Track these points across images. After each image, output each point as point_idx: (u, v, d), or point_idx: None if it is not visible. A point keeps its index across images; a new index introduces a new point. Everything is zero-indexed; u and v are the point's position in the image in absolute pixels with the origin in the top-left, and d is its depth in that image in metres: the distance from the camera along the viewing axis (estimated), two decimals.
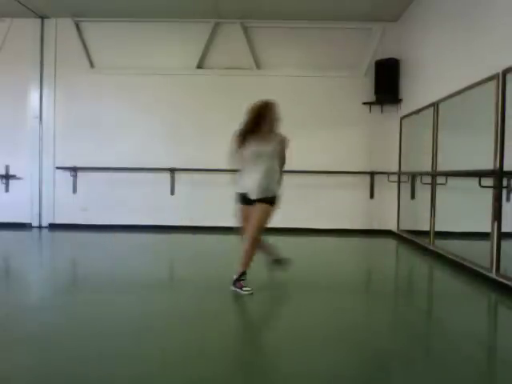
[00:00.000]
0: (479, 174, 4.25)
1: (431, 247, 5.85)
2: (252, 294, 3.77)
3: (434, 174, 5.71)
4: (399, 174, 7.30)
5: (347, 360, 2.61)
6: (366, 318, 3.43)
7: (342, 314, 3.45)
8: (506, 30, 4.14)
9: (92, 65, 7.81)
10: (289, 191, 7.92)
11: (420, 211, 6.47)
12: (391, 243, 7.07)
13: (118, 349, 2.67)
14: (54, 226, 7.81)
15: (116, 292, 3.97)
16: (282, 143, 3.95)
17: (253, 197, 3.85)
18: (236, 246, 6.58)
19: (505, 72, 4.06)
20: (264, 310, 3.59)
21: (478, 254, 4.67)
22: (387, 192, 7.56)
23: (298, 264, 4.62)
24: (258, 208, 3.83)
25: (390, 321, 3.43)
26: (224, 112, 7.66)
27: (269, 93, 7.68)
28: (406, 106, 7.10)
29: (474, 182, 4.28)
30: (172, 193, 7.78)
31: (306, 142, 7.27)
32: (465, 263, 4.84)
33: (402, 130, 7.29)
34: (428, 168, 5.88)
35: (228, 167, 4.18)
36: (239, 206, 4.01)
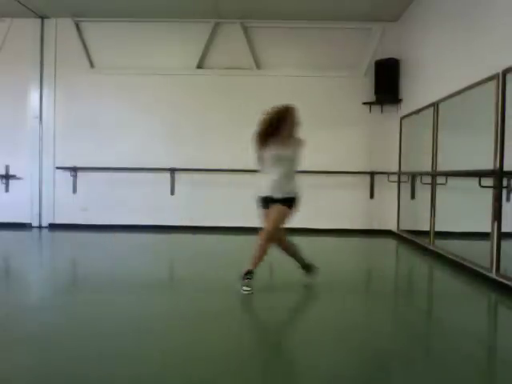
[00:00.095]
0: (479, 174, 4.25)
1: (431, 247, 5.84)
2: (251, 293, 3.76)
3: (434, 174, 5.71)
4: (399, 173, 7.30)
5: (347, 360, 2.61)
6: (366, 318, 3.43)
7: (342, 314, 3.45)
8: (506, 30, 4.14)
9: (92, 65, 7.81)
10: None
11: (420, 211, 6.47)
12: (391, 243, 7.07)
13: (118, 349, 2.67)
14: (53, 226, 7.81)
15: (116, 292, 3.97)
16: (298, 145, 3.99)
17: (274, 196, 3.88)
18: (236, 246, 6.60)
19: (505, 72, 4.06)
20: (264, 311, 3.59)
21: (477, 253, 4.67)
22: (387, 192, 7.56)
23: (296, 263, 4.62)
24: (275, 208, 3.87)
25: (390, 321, 3.43)
26: (224, 112, 7.69)
27: (269, 93, 7.75)
28: (406, 106, 7.10)
29: (474, 181, 4.28)
30: (172, 193, 7.78)
31: (306, 142, 7.26)
32: (465, 263, 4.84)
33: (402, 129, 7.29)
34: (428, 168, 5.88)
35: (253, 168, 4.20)
36: (261, 210, 4.04)
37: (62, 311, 3.39)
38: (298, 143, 3.98)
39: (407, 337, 3.00)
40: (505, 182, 4.10)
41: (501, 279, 4.12)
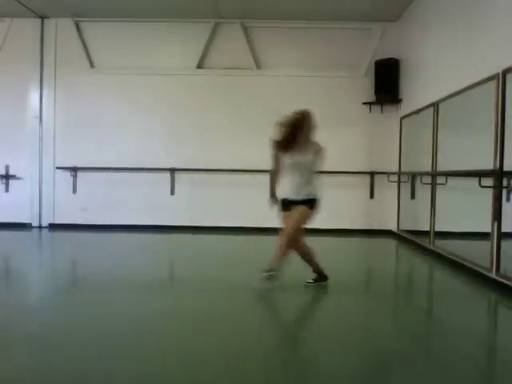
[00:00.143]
0: (479, 174, 4.25)
1: (431, 247, 5.84)
2: (268, 286, 3.82)
3: (434, 174, 5.71)
4: (399, 173, 7.30)
5: (347, 359, 2.61)
6: (366, 318, 3.43)
7: (342, 314, 3.45)
8: (506, 30, 4.14)
9: (92, 65, 7.81)
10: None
11: (420, 211, 6.47)
12: (391, 243, 7.07)
13: (118, 349, 2.67)
14: (53, 226, 7.81)
15: (116, 292, 3.97)
16: (318, 154, 4.03)
17: (296, 199, 3.96)
18: (236, 246, 6.60)
19: (505, 72, 4.06)
20: (264, 311, 3.59)
21: (477, 253, 4.66)
22: (387, 192, 7.56)
23: (297, 264, 4.62)
24: (296, 210, 3.94)
25: (390, 320, 3.43)
26: (224, 112, 7.69)
27: (269, 93, 7.76)
28: (406, 106, 7.10)
29: (474, 181, 4.28)
30: (172, 193, 7.78)
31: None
32: (465, 263, 4.84)
33: (402, 129, 7.29)
34: (428, 168, 5.88)
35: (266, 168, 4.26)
36: (282, 213, 4.08)
37: (61, 311, 3.39)
38: (316, 149, 4.02)
39: (407, 336, 3.00)
40: (505, 182, 4.10)
41: (501, 279, 4.12)
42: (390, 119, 7.56)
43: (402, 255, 6.49)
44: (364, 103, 7.61)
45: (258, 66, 7.73)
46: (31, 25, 7.73)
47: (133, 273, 4.72)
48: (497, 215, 4.14)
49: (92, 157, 7.68)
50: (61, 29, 7.74)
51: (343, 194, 7.64)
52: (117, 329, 3.02)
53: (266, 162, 7.50)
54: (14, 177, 7.79)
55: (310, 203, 3.97)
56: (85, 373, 2.35)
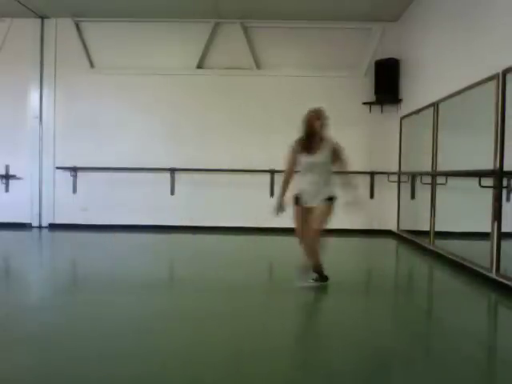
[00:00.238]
0: (479, 174, 4.25)
1: (431, 247, 5.84)
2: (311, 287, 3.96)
3: (434, 174, 5.71)
4: (399, 173, 7.30)
5: (347, 358, 2.61)
6: (366, 318, 3.43)
7: (342, 313, 3.45)
8: (506, 30, 4.14)
9: (92, 65, 7.81)
10: (290, 191, 7.95)
11: (420, 211, 6.47)
12: (391, 243, 7.07)
13: (118, 349, 2.67)
14: (53, 226, 7.81)
15: (116, 292, 3.96)
16: (337, 151, 4.04)
17: (314, 203, 3.99)
18: (236, 246, 6.61)
19: (505, 72, 4.06)
20: (264, 311, 3.59)
21: (477, 253, 4.66)
22: (387, 192, 7.56)
23: (297, 264, 4.62)
24: (319, 208, 3.97)
25: (390, 320, 3.43)
26: (224, 112, 7.69)
27: (269, 93, 7.76)
28: (406, 106, 7.10)
29: (474, 181, 4.28)
30: (172, 193, 7.78)
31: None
32: (465, 263, 4.84)
33: (402, 130, 7.29)
34: (428, 168, 5.88)
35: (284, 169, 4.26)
36: (296, 207, 4.09)
37: (61, 311, 3.39)
38: (332, 147, 4.02)
39: (407, 336, 3.00)
40: (505, 182, 4.10)
41: (501, 279, 4.12)
42: (389, 119, 7.56)
43: (402, 255, 6.48)
44: (364, 103, 7.61)
45: (258, 66, 7.73)
46: (31, 25, 7.73)
47: (133, 273, 4.72)
48: (497, 215, 4.14)
49: (92, 157, 7.68)
50: (61, 29, 7.74)
51: (343, 193, 7.62)
52: (117, 329, 3.02)
53: (266, 162, 7.60)
54: (13, 177, 7.79)
55: (330, 200, 4.00)
56: (85, 373, 2.35)
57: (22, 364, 2.47)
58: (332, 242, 6.93)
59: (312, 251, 4.04)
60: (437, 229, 5.74)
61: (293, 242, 6.69)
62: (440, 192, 5.65)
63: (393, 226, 7.50)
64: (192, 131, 7.71)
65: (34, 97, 7.81)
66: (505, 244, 4.11)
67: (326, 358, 2.62)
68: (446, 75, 5.49)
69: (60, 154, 7.80)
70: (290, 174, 4.14)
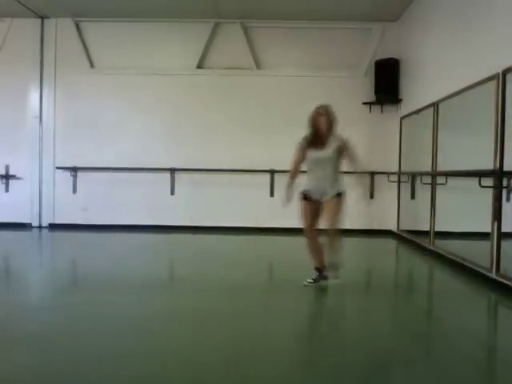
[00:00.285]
0: (479, 174, 4.25)
1: (431, 247, 5.84)
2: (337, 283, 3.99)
3: (434, 174, 5.71)
4: (399, 173, 7.30)
5: (347, 358, 2.61)
6: (366, 318, 3.43)
7: (342, 313, 3.45)
8: (505, 30, 4.14)
9: (92, 65, 7.81)
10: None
11: (420, 211, 6.47)
12: (391, 243, 7.07)
13: (118, 349, 2.67)
14: (53, 226, 7.81)
15: (116, 292, 3.96)
16: (345, 147, 4.07)
17: (322, 199, 4.01)
18: (236, 246, 6.61)
19: (505, 72, 4.06)
20: (264, 311, 3.59)
21: (478, 253, 4.66)
22: (387, 192, 7.56)
23: (297, 264, 4.63)
24: (333, 201, 3.99)
25: (390, 320, 3.44)
26: (224, 112, 7.69)
27: (269, 93, 7.76)
28: (406, 106, 7.10)
29: (474, 181, 4.28)
30: (172, 193, 7.78)
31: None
32: (465, 263, 4.84)
33: (402, 130, 7.29)
34: (428, 168, 5.88)
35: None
36: (304, 202, 4.09)
37: (61, 311, 3.39)
38: (341, 143, 4.05)
39: (407, 336, 3.00)
40: (505, 182, 4.10)
41: (501, 279, 4.12)
42: (389, 119, 7.56)
43: (402, 255, 6.49)
44: (364, 103, 7.61)
45: (258, 66, 7.73)
46: (31, 25, 7.73)
47: (133, 273, 4.72)
48: (497, 215, 4.14)
49: (92, 157, 7.68)
50: (61, 29, 7.74)
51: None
52: (117, 329, 3.02)
53: (266, 162, 7.61)
54: (14, 177, 7.79)
55: (340, 195, 4.03)
56: (85, 373, 2.35)
57: (22, 364, 2.47)
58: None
59: (333, 248, 4.05)
60: (437, 229, 5.74)
61: (293, 242, 6.71)
62: (440, 192, 5.65)
63: (393, 226, 7.50)
64: (192, 131, 7.71)
65: (34, 97, 7.81)
66: (505, 244, 4.11)
67: (326, 358, 2.62)
68: (446, 75, 5.49)
69: (60, 153, 7.80)
70: (296, 168, 4.15)
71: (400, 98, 7.34)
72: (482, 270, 4.45)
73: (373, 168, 7.64)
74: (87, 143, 7.70)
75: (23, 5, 7.14)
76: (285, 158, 7.84)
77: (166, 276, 4.96)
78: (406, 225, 7.06)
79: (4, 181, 7.77)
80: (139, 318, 3.22)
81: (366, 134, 7.63)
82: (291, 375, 2.39)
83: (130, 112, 7.71)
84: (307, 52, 7.69)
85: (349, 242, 7.08)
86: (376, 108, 7.61)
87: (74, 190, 7.82)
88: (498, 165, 4.09)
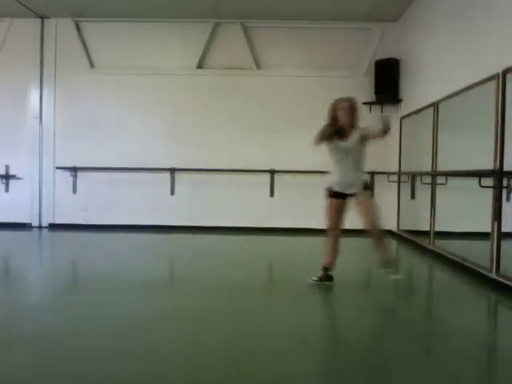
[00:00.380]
0: (479, 174, 4.25)
1: (431, 247, 5.84)
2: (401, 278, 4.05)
3: (434, 174, 5.71)
4: (399, 173, 7.30)
5: (347, 358, 2.61)
6: (366, 318, 3.43)
7: (342, 313, 3.45)
8: (505, 30, 4.14)
9: (92, 65, 7.81)
10: (289, 191, 7.96)
11: (420, 211, 6.47)
12: (391, 243, 7.05)
13: (118, 349, 2.67)
14: (53, 226, 7.81)
15: (116, 292, 3.96)
16: (364, 131, 3.99)
17: (350, 191, 4.00)
18: (236, 246, 6.61)
19: (505, 72, 4.06)
20: (264, 311, 3.59)
21: (478, 253, 4.66)
22: (387, 192, 7.55)
23: (297, 264, 4.62)
24: (365, 197, 4.02)
25: (390, 320, 3.43)
26: (224, 112, 7.69)
27: (269, 93, 7.76)
28: (406, 106, 7.10)
29: (473, 181, 4.28)
30: (172, 193, 7.78)
31: (306, 142, 7.26)
32: (465, 263, 4.84)
33: (402, 129, 7.28)
34: (428, 168, 5.88)
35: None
36: (330, 200, 4.10)
37: (61, 311, 3.39)
38: (362, 131, 3.99)
39: (407, 336, 3.00)
40: (505, 182, 4.10)
41: (501, 279, 4.12)
42: (390, 119, 7.54)
43: (402, 255, 6.48)
44: (364, 103, 7.58)
45: (258, 66, 7.73)
46: (31, 25, 7.73)
47: (133, 273, 4.72)
48: (497, 215, 4.14)
49: (92, 157, 7.68)
50: (61, 29, 7.74)
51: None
52: (117, 329, 3.02)
53: (266, 162, 7.61)
54: (14, 177, 7.79)
55: (366, 187, 4.04)
56: (85, 373, 2.35)
57: (22, 364, 2.47)
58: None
59: (382, 247, 4.14)
60: (437, 229, 5.74)
61: (293, 242, 6.71)
62: (440, 192, 5.65)
63: (393, 226, 7.50)
64: (192, 131, 7.71)
65: (34, 97, 7.81)
66: (505, 244, 4.11)
67: (325, 358, 2.62)
68: (446, 75, 5.49)
69: (60, 153, 7.80)
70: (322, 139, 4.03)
71: (400, 98, 7.34)
72: (482, 270, 4.45)
73: (373, 168, 7.63)
74: (87, 143, 7.70)
75: (23, 5, 7.13)
76: (285, 158, 7.89)
77: (166, 276, 4.96)
78: (406, 225, 7.06)
79: (4, 181, 7.77)
80: (139, 318, 3.22)
81: None
82: (291, 375, 2.39)
83: (130, 112, 7.71)
84: (307, 52, 7.69)
85: (349, 242, 7.09)
86: (376, 108, 7.60)
87: (74, 190, 7.82)
88: (497, 165, 4.09)
